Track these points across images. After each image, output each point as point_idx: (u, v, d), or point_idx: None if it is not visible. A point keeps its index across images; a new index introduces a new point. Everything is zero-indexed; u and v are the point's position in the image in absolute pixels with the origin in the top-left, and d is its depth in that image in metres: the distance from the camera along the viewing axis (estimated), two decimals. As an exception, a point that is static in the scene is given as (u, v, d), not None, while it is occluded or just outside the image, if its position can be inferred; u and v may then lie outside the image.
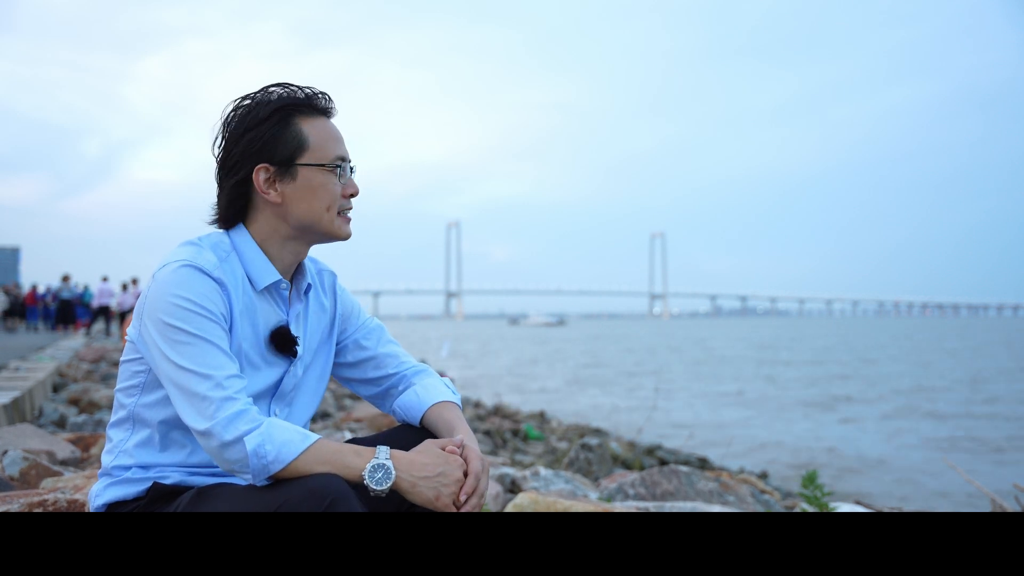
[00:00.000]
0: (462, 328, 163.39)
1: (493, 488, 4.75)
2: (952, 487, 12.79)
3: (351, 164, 2.05)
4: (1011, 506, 7.96)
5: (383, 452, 1.86)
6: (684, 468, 5.28)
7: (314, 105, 2.01)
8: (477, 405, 18.77)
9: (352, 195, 2.05)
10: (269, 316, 2.01)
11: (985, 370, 39.27)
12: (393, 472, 1.83)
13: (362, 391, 2.25)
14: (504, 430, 14.51)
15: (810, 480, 5.18)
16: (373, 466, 1.82)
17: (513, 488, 5.14)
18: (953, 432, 20.01)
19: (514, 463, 10.34)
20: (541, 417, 18.20)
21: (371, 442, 2.02)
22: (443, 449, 1.93)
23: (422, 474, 1.86)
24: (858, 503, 6.42)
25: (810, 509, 4.92)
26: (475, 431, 14.10)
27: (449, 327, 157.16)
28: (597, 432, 16.82)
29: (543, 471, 5.24)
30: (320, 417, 11.71)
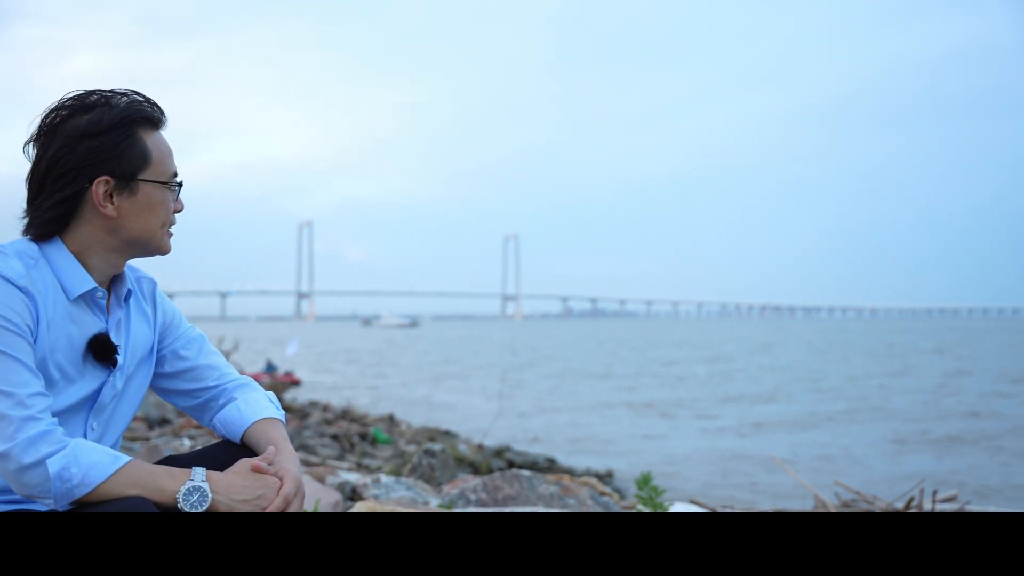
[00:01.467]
0: (313, 329, 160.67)
1: (332, 497, 4.70)
2: (786, 486, 13.39)
3: (180, 180, 1.99)
4: (832, 502, 8.42)
5: (199, 474, 1.80)
6: (526, 472, 5.34)
7: (155, 118, 1.94)
8: (325, 409, 18.49)
9: (179, 211, 2.01)
10: (86, 325, 1.90)
11: (826, 372, 41.36)
12: (209, 495, 1.78)
13: (180, 403, 2.16)
14: (352, 434, 14.36)
15: (645, 482, 5.33)
16: (188, 489, 1.77)
17: (354, 496, 5.10)
18: (796, 429, 20.97)
19: (361, 467, 10.25)
20: (390, 420, 18.10)
21: (191, 460, 1.96)
22: (256, 469, 1.88)
23: (240, 496, 1.82)
24: (692, 502, 6.66)
25: (645, 510, 5.06)
26: (322, 435, 13.94)
27: (300, 328, 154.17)
28: (446, 435, 16.83)
29: (384, 478, 5.22)
30: (159, 423, 11.30)
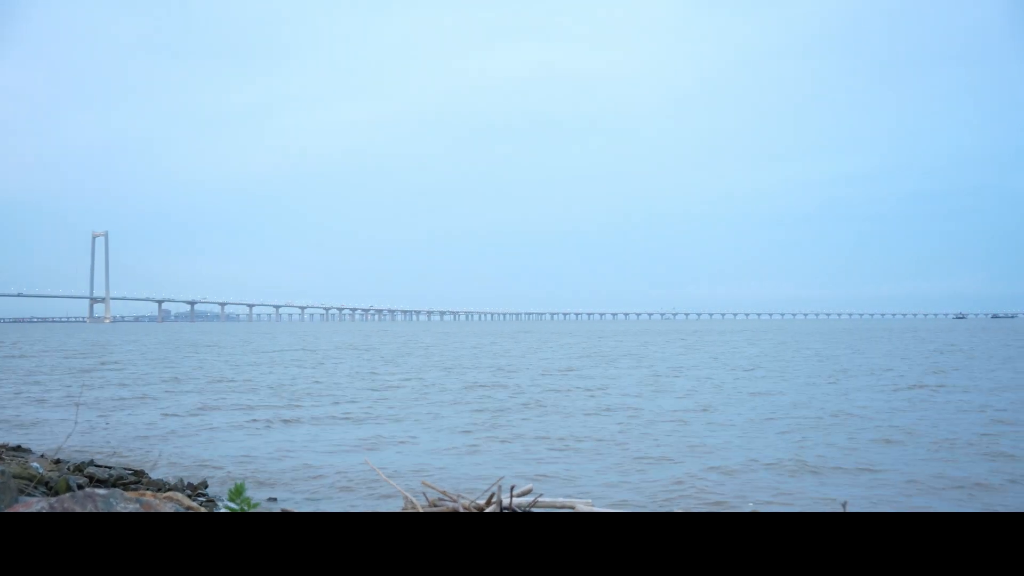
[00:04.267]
0: None
1: None
2: (384, 487, 13.67)
3: None
4: (421, 503, 8.77)
5: None
6: (102, 491, 4.98)
7: None
8: None
9: None
10: None
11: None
12: None
13: None
14: None
15: (238, 492, 5.18)
16: None
17: None
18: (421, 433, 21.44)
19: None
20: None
21: None
22: None
23: None
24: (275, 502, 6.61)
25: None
26: None
27: None
28: (17, 450, 15.28)
29: (-73, 509, 4.60)
30: None
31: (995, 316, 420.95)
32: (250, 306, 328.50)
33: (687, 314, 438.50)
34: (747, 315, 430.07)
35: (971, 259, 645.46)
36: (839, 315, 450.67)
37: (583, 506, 7.62)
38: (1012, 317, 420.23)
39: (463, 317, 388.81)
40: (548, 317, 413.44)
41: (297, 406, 26.94)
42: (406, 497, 7.41)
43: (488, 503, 7.33)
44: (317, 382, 36.63)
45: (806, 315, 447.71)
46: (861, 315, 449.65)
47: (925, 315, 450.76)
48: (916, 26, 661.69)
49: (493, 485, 7.05)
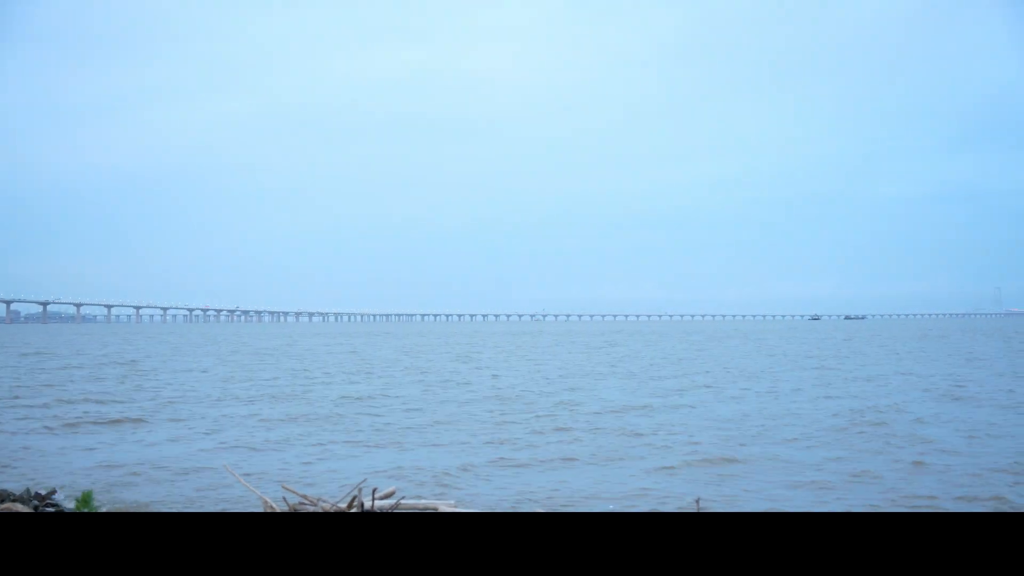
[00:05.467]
0: None
1: None
2: (241, 491, 13.36)
3: None
4: (280, 507, 8.61)
5: None
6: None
7: None
8: None
9: None
10: None
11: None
12: None
13: None
14: None
15: (85, 500, 4.99)
16: None
17: None
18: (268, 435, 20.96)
19: None
20: None
21: None
22: None
23: None
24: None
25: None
26: None
27: None
28: None
29: None
30: None
31: (848, 317, 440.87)
32: (108, 307, 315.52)
33: (556, 315, 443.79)
34: (614, 316, 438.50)
35: (826, 263, 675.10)
36: (702, 316, 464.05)
37: (446, 508, 7.62)
38: (862, 318, 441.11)
39: (332, 318, 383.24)
40: (418, 318, 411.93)
41: (159, 414, 26.12)
42: (265, 501, 7.26)
43: (350, 506, 7.25)
44: (190, 391, 35.64)
45: (671, 316, 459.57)
46: (724, 316, 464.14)
47: (783, 316, 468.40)
48: (778, 38, 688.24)
49: (354, 488, 6.98)
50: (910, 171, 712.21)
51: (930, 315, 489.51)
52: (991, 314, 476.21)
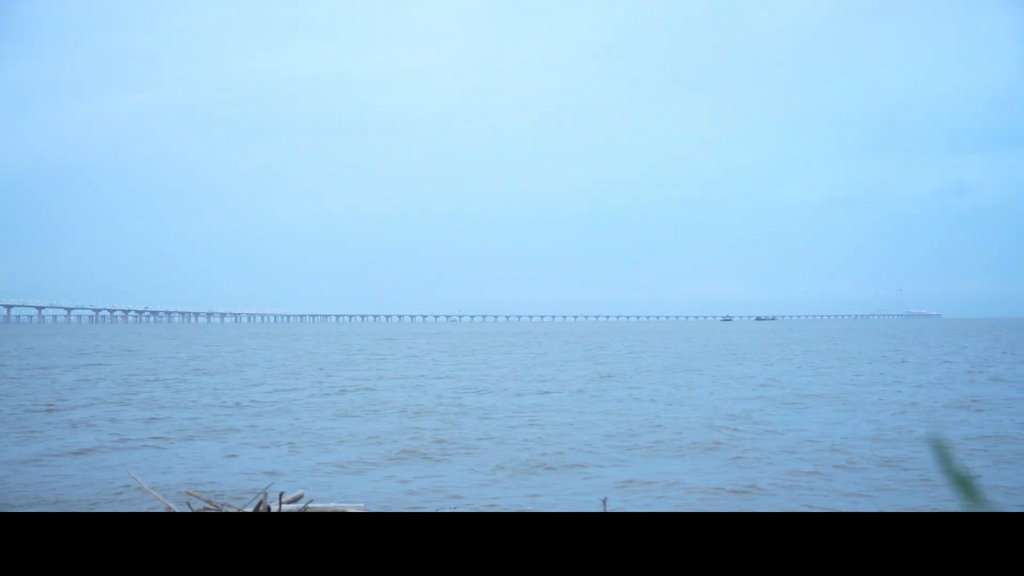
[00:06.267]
0: None
1: None
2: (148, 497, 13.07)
3: None
4: (181, 509, 8.49)
5: None
6: None
7: None
8: None
9: None
10: None
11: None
12: None
13: None
14: None
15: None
16: None
17: None
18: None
19: None
20: None
21: None
22: None
23: None
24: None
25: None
26: None
27: None
28: None
29: None
30: None
31: (759, 318, 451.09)
32: (8, 307, 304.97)
33: (473, 316, 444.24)
34: (530, 317, 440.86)
35: (739, 265, 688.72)
36: (617, 317, 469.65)
37: (354, 510, 7.60)
38: (772, 319, 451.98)
39: (244, 319, 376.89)
40: (333, 319, 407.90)
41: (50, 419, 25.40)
42: (168, 508, 7.14)
43: (256, 510, 7.18)
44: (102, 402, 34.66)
45: (586, 317, 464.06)
46: (637, 317, 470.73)
47: (696, 317, 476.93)
48: (694, 45, 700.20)
49: (260, 492, 6.91)
50: (819, 176, 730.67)
51: (837, 316, 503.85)
52: (894, 315, 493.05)
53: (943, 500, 14.15)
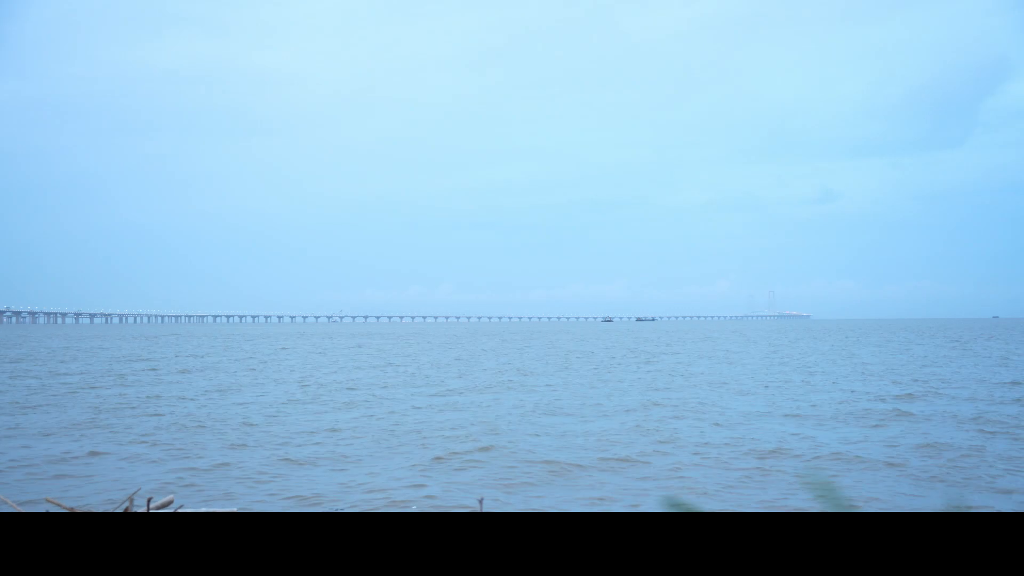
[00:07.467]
0: None
1: None
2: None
3: None
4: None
5: None
6: None
7: None
8: None
9: None
10: None
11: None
12: None
13: None
14: None
15: None
16: None
17: None
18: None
19: None
20: None
21: None
22: None
23: None
24: None
25: None
26: None
27: None
28: None
29: None
30: None
31: (639, 319, 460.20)
32: None
33: (354, 317, 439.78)
34: (412, 318, 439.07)
35: (619, 267, 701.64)
36: (499, 318, 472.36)
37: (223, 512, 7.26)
38: (652, 320, 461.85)
39: (116, 319, 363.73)
40: (210, 320, 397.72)
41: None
42: (15, 508, 6.69)
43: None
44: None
45: (470, 318, 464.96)
46: (520, 318, 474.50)
47: (577, 318, 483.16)
48: (581, 46, 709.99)
49: (126, 499, 6.53)
50: (701, 180, 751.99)
51: (712, 317, 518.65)
52: (766, 316, 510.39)
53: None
